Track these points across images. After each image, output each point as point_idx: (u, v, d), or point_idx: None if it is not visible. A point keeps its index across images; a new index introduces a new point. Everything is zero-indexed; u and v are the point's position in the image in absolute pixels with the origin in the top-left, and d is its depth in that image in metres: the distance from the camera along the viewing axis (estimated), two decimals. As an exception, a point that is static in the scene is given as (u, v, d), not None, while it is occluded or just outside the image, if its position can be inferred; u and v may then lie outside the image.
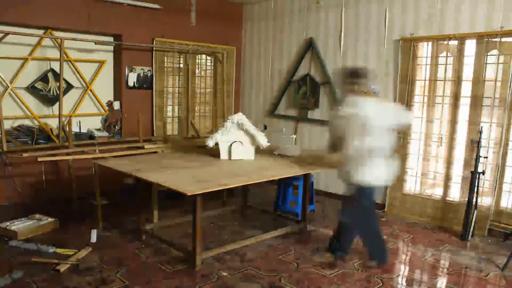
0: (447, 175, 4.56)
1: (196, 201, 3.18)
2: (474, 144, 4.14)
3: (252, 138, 3.86)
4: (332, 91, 5.42)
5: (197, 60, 6.13)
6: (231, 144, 3.86)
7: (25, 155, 3.74)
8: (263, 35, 6.30)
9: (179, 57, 5.91)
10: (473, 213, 4.10)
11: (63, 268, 3.19)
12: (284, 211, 4.77)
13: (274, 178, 3.48)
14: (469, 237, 4.12)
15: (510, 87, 4.05)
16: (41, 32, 4.73)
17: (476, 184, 4.08)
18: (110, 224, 4.19)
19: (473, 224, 4.11)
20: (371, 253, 3.42)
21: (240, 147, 3.86)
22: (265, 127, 6.28)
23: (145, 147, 4.59)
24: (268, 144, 3.91)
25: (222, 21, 6.18)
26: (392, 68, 4.87)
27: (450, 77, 4.48)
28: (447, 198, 4.57)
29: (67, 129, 4.35)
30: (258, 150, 3.99)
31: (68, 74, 5.02)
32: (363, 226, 3.37)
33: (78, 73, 5.12)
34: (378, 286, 3.14)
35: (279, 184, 4.85)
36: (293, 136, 4.46)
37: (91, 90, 5.25)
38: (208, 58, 6.32)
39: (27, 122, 4.79)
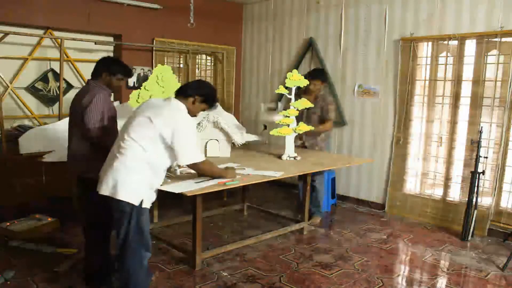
0: (447, 175, 4.56)
1: (196, 201, 3.18)
2: (474, 144, 4.14)
3: (228, 136, 3.88)
4: (332, 91, 5.42)
5: (197, 60, 6.13)
6: (207, 142, 3.88)
7: (25, 155, 3.74)
8: (263, 35, 6.30)
9: (179, 57, 5.91)
10: (473, 213, 4.10)
11: (62, 268, 3.19)
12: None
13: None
14: (469, 237, 4.12)
15: (510, 87, 4.06)
16: (41, 32, 4.73)
17: (476, 184, 4.09)
18: (110, 224, 4.19)
19: (473, 224, 4.11)
20: None
21: (215, 144, 3.88)
22: (265, 127, 6.28)
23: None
24: (244, 142, 3.95)
25: (222, 21, 6.18)
26: (392, 68, 4.87)
27: (450, 77, 4.48)
28: (447, 198, 4.57)
29: (67, 129, 4.35)
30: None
31: (68, 74, 5.02)
32: None
33: (78, 73, 5.13)
34: (378, 286, 3.13)
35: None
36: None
37: (91, 90, 5.25)
38: (208, 58, 6.32)
39: (27, 122, 4.79)
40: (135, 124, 2.45)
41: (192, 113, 2.63)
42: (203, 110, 2.71)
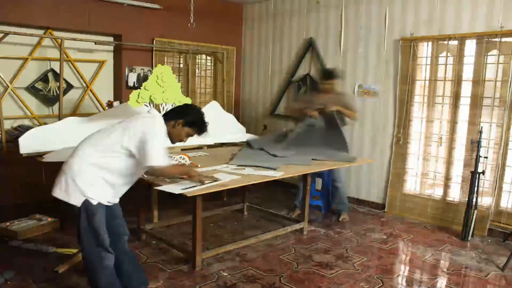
0: (447, 175, 4.56)
1: (196, 201, 3.18)
2: (474, 144, 4.14)
3: None
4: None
5: (197, 60, 6.13)
6: None
7: (25, 155, 3.74)
8: (263, 35, 6.30)
9: (179, 57, 5.91)
10: (473, 213, 4.10)
11: (62, 268, 3.19)
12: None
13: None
14: (469, 237, 4.12)
15: (510, 87, 4.06)
16: (41, 32, 4.73)
17: (476, 184, 4.08)
18: (110, 224, 4.19)
19: (473, 224, 4.11)
20: None
21: None
22: (265, 127, 6.29)
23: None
24: None
25: (222, 21, 6.18)
26: (392, 68, 4.87)
27: (450, 77, 4.48)
28: (447, 198, 4.57)
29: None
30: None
31: (68, 74, 5.02)
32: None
33: (78, 73, 5.12)
34: (378, 286, 3.13)
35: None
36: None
37: (91, 90, 5.25)
38: (208, 58, 6.32)
39: (27, 122, 4.79)
40: (99, 133, 2.52)
41: (175, 137, 2.62)
42: (190, 135, 2.66)
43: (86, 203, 2.39)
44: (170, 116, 2.61)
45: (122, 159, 2.44)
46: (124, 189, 2.61)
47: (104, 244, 2.48)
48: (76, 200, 2.39)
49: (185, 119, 2.59)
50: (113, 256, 2.54)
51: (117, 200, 2.62)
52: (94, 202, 2.42)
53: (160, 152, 2.43)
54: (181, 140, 2.66)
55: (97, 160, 2.41)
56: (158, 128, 2.50)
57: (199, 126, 2.65)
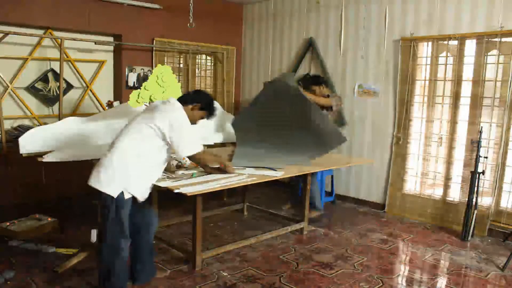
0: (447, 175, 4.56)
1: (196, 201, 3.18)
2: (474, 144, 4.14)
3: None
4: (331, 91, 5.41)
5: (197, 60, 6.13)
6: None
7: (25, 155, 3.74)
8: (263, 35, 6.30)
9: (179, 57, 5.91)
10: (473, 213, 4.10)
11: (62, 268, 3.19)
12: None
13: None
14: (469, 237, 4.12)
15: (510, 87, 4.06)
16: (41, 32, 4.73)
17: (476, 184, 4.09)
18: (110, 224, 4.18)
19: (473, 224, 4.11)
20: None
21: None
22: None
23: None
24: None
25: (222, 21, 6.18)
26: (392, 68, 4.87)
27: (450, 77, 4.48)
28: (447, 198, 4.57)
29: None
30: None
31: (68, 74, 5.02)
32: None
33: (78, 73, 5.12)
34: (378, 286, 3.14)
35: (301, 180, 4.89)
36: None
37: (91, 90, 5.25)
38: (208, 58, 6.32)
39: (27, 122, 4.79)
40: (133, 124, 2.67)
41: (191, 120, 2.81)
42: (202, 117, 2.90)
43: (120, 195, 2.57)
44: (186, 101, 2.82)
45: (154, 142, 2.62)
46: (155, 179, 2.80)
47: (126, 232, 2.67)
48: (113, 191, 2.55)
49: (202, 103, 2.84)
50: (128, 244, 2.71)
51: (147, 194, 2.80)
52: (127, 196, 2.60)
53: (194, 140, 2.73)
54: (194, 123, 2.86)
55: (135, 148, 2.58)
56: (183, 116, 2.71)
57: (211, 109, 2.92)
